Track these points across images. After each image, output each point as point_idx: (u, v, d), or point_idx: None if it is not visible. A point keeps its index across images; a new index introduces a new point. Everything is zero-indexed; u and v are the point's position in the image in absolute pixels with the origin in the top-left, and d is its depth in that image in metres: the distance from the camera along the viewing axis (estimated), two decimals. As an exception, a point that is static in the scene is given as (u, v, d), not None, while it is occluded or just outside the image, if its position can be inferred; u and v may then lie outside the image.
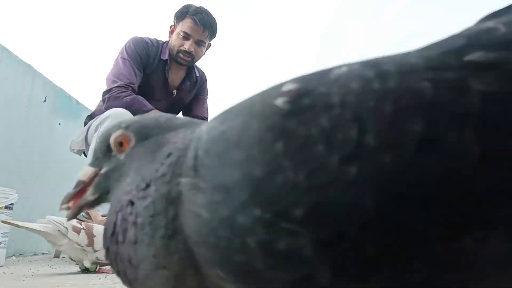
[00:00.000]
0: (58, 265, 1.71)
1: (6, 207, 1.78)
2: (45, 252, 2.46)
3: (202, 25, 1.92)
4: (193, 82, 2.14)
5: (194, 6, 1.94)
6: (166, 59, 1.99)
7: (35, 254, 2.35)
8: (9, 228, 1.65)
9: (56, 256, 2.18)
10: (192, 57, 1.97)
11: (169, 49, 1.99)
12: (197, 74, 2.15)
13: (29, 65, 2.49)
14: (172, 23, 2.01)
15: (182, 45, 1.93)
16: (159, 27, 2.54)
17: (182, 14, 1.93)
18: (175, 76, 2.08)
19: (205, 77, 2.23)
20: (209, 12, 1.95)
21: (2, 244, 1.75)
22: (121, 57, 1.91)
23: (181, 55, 1.95)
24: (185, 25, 1.92)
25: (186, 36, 1.92)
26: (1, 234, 1.77)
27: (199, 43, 1.96)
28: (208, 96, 2.25)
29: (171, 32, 2.01)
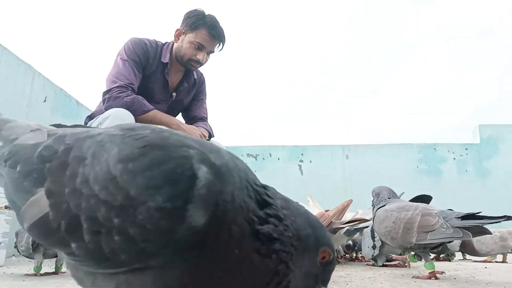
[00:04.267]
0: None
1: (6, 207, 1.79)
2: (45, 252, 2.47)
3: (218, 40, 1.95)
4: (192, 84, 2.15)
5: (209, 17, 1.95)
6: (167, 62, 1.99)
7: (35, 254, 2.35)
8: (9, 228, 1.65)
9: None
10: (201, 65, 2.01)
11: (176, 54, 2.00)
12: (195, 76, 2.16)
13: (29, 65, 2.49)
14: (180, 28, 2.00)
15: (195, 55, 1.95)
16: (158, 27, 2.55)
17: (197, 24, 1.94)
18: (174, 78, 2.08)
19: (204, 79, 2.24)
20: (219, 22, 1.97)
21: (2, 244, 1.76)
22: (120, 58, 1.91)
23: (192, 63, 1.98)
24: (200, 36, 1.93)
25: (200, 47, 1.95)
26: (1, 234, 1.77)
27: (210, 53, 2.01)
28: (206, 97, 2.25)
29: (177, 35, 2.01)
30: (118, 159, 0.38)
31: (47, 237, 0.40)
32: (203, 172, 0.36)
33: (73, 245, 0.38)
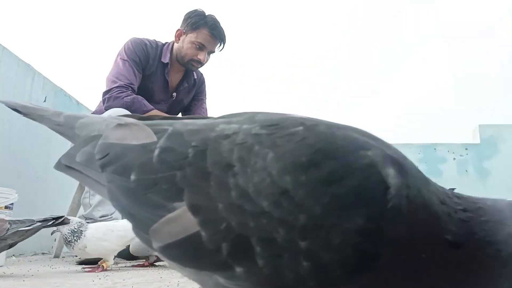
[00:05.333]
0: (58, 265, 1.71)
1: (6, 207, 1.79)
2: (45, 252, 2.47)
3: (219, 39, 1.96)
4: (192, 84, 2.15)
5: (210, 17, 1.95)
6: (167, 63, 1.99)
7: (35, 254, 2.35)
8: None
9: (56, 256, 2.19)
10: (202, 65, 2.02)
11: (176, 54, 2.00)
12: (195, 76, 2.16)
13: (29, 65, 2.49)
14: (180, 28, 2.00)
15: (196, 55, 1.96)
16: (159, 27, 2.55)
17: (198, 24, 1.94)
18: (174, 78, 2.09)
19: (204, 79, 2.24)
20: (219, 22, 1.98)
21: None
22: (120, 58, 1.91)
23: (193, 63, 1.99)
24: (201, 36, 1.94)
25: (201, 47, 1.95)
26: (1, 234, 1.77)
27: (210, 53, 2.01)
28: (206, 97, 2.25)
29: (178, 35, 2.01)
30: (282, 168, 0.32)
31: (196, 259, 0.34)
32: (392, 178, 0.31)
33: (238, 269, 0.32)
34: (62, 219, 1.35)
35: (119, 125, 0.44)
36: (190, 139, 0.38)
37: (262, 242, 0.31)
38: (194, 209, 0.34)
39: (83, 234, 1.44)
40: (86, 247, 1.45)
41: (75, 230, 1.44)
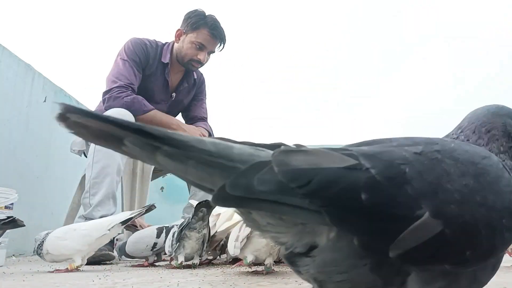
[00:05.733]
0: (58, 265, 1.71)
1: (6, 207, 1.79)
2: (45, 252, 2.47)
3: (219, 39, 1.96)
4: (192, 84, 2.15)
5: (210, 17, 1.96)
6: (167, 63, 1.99)
7: (35, 254, 2.35)
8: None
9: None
10: (202, 65, 2.02)
11: (176, 54, 2.00)
12: (195, 76, 2.16)
13: (29, 65, 2.49)
14: (181, 28, 2.00)
15: (196, 55, 1.96)
16: (159, 27, 2.55)
17: (198, 24, 1.94)
18: (174, 78, 2.09)
19: (203, 79, 2.25)
20: (219, 22, 1.98)
21: (2, 244, 1.76)
22: (120, 58, 1.92)
23: (193, 63, 1.99)
24: (202, 36, 1.94)
25: (201, 47, 1.96)
26: (1, 234, 1.77)
27: (210, 53, 2.01)
28: (206, 97, 2.26)
29: (178, 36, 2.01)
30: (477, 173, 0.46)
31: (438, 254, 0.43)
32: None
33: (468, 253, 0.44)
34: (10, 219, 1.33)
35: (290, 152, 0.44)
36: (387, 158, 0.45)
37: (486, 227, 0.44)
38: (435, 214, 0.42)
39: (46, 239, 1.41)
40: (48, 249, 1.40)
41: (41, 240, 1.42)
